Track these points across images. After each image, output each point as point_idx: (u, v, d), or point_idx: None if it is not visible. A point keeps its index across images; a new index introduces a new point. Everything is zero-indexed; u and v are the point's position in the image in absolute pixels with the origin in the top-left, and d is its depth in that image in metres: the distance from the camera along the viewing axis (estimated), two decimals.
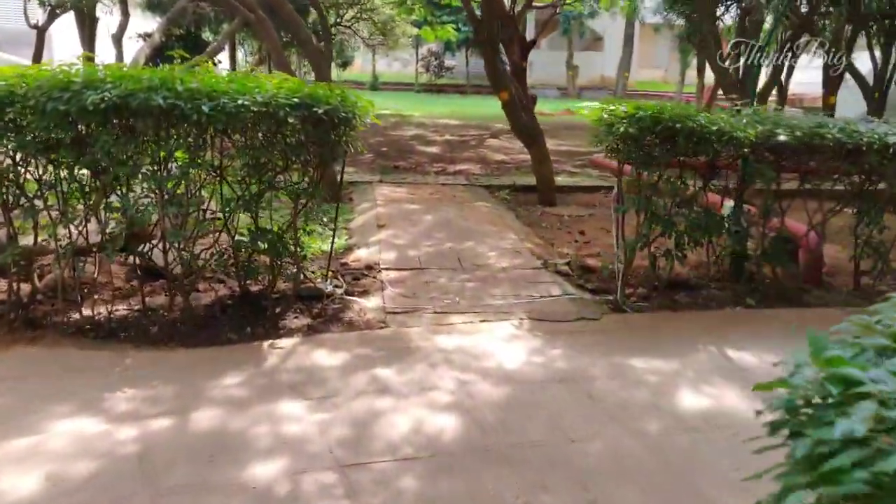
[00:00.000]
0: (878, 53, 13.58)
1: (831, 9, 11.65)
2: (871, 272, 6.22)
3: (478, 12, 9.79)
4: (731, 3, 12.93)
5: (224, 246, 4.85)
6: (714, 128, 4.89)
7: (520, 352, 4.35)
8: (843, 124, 5.24)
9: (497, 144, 16.00)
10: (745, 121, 5.14)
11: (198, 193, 4.48)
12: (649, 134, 4.89)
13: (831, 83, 14.10)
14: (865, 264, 6.18)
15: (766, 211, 5.58)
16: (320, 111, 4.32)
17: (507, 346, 4.44)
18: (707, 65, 22.76)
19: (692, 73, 31.03)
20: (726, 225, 5.57)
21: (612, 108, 5.00)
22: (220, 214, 4.62)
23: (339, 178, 5.27)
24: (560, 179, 10.55)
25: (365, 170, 11.16)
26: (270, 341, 4.30)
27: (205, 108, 3.98)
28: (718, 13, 13.89)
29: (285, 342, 4.31)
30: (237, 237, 4.69)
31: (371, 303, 5.07)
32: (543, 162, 9.55)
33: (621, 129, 4.84)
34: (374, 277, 5.65)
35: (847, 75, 13.41)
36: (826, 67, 13.26)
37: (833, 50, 13.35)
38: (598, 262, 6.64)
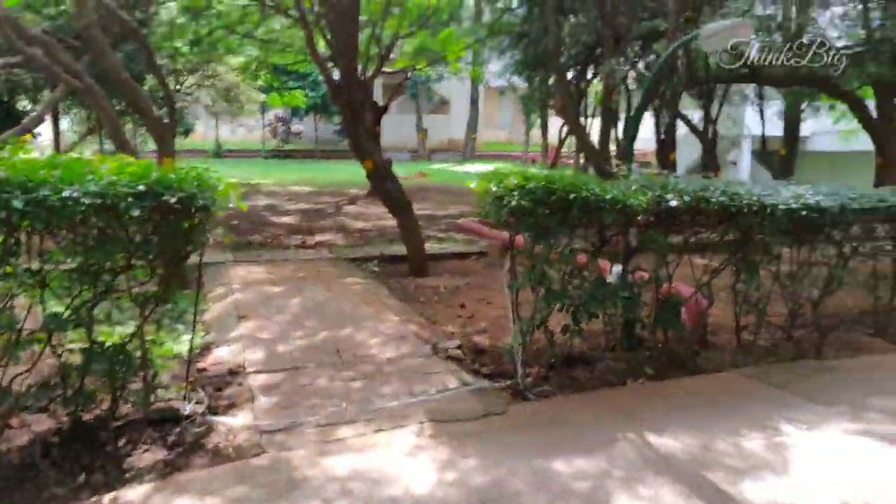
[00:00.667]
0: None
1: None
2: (750, 328, 6.25)
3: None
4: (593, 73, 13.42)
5: (48, 371, 3.85)
6: (608, 196, 4.62)
7: (428, 468, 3.70)
8: (724, 187, 5.19)
9: (355, 211, 15.46)
10: (634, 187, 4.94)
11: (9, 308, 3.50)
12: (542, 206, 4.53)
13: (668, 141, 15.00)
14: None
15: (657, 276, 5.39)
16: (172, 199, 3.55)
17: (412, 462, 3.77)
18: (550, 124, 23.63)
19: (536, 133, 32.49)
20: (619, 293, 5.31)
21: (502, 180, 4.60)
22: (41, 333, 3.64)
23: (198, 272, 4.39)
24: (428, 246, 10.14)
25: (214, 247, 10.14)
26: (112, 495, 3.35)
27: (16, 204, 3.10)
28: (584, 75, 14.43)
29: (132, 493, 3.37)
30: (65, 359, 3.72)
31: (240, 420, 4.23)
32: (413, 231, 9.10)
33: (513, 203, 4.44)
34: (241, 384, 4.80)
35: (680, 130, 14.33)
36: (666, 127, 14.06)
37: (668, 111, 14.23)
38: (487, 341, 6.20)
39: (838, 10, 12.61)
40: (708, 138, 13.67)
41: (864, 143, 21.12)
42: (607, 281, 5.48)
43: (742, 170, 25.23)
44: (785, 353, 6.06)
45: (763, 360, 5.85)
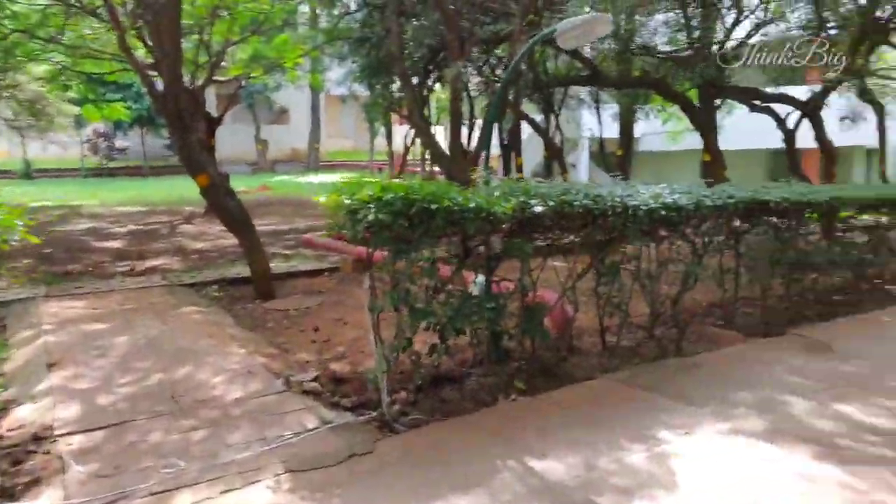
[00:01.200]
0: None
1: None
2: (612, 329, 6.21)
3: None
4: (436, 78, 13.17)
5: None
6: (471, 205, 4.27)
7: None
8: (586, 190, 5.03)
9: (193, 230, 14.27)
10: (497, 194, 4.63)
11: None
12: (402, 218, 4.09)
13: (514, 145, 15.20)
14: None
15: (522, 284, 5.13)
16: None
17: None
18: (396, 131, 23.36)
19: (382, 141, 32.17)
20: (485, 305, 4.99)
21: (356, 192, 4.10)
22: None
23: None
24: (275, 265, 9.41)
25: (22, 281, 8.79)
26: None
27: None
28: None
29: None
30: None
31: (45, 501, 3.41)
32: (256, 250, 8.34)
33: (370, 217, 3.96)
34: (48, 452, 3.93)
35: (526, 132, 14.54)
36: (510, 130, 14.21)
37: (512, 114, 14.39)
38: (347, 367, 5.67)
39: (660, 17, 13.35)
40: (553, 142, 13.93)
41: (689, 142, 22.78)
42: (471, 293, 5.17)
43: (581, 171, 26.40)
44: (648, 353, 6.04)
45: (629, 362, 5.78)
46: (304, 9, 17.21)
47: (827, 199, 6.63)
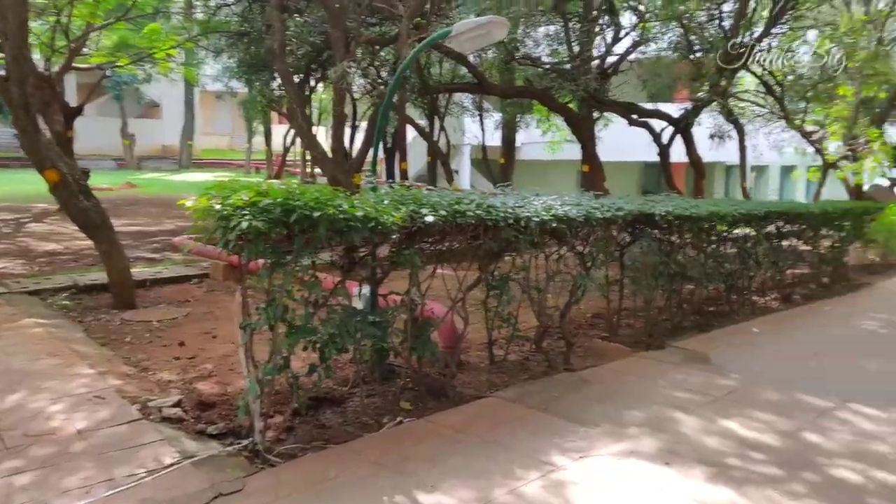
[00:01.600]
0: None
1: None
2: (500, 343, 6.04)
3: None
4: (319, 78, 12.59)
5: None
6: (359, 214, 3.90)
7: None
8: (479, 199, 4.79)
9: (43, 230, 12.91)
10: (386, 201, 4.29)
11: None
12: (281, 226, 3.66)
13: (399, 149, 14.90)
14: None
15: (411, 298, 4.83)
16: None
17: None
18: (275, 131, 22.46)
19: (260, 140, 30.96)
20: (370, 321, 4.64)
21: (228, 196, 3.63)
22: None
23: None
24: (138, 271, 8.58)
25: None
26: None
27: None
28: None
29: None
30: None
31: None
32: (114, 254, 7.53)
33: (244, 224, 3.50)
34: None
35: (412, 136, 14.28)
36: (394, 135, 13.89)
37: (397, 118, 14.08)
38: (215, 387, 5.13)
39: (543, 29, 13.55)
40: (439, 147, 13.77)
41: (568, 153, 23.43)
42: (354, 306, 4.80)
43: (463, 178, 26.55)
44: (537, 367, 5.91)
45: (517, 378, 5.62)
46: None
47: (707, 214, 6.80)
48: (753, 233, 8.12)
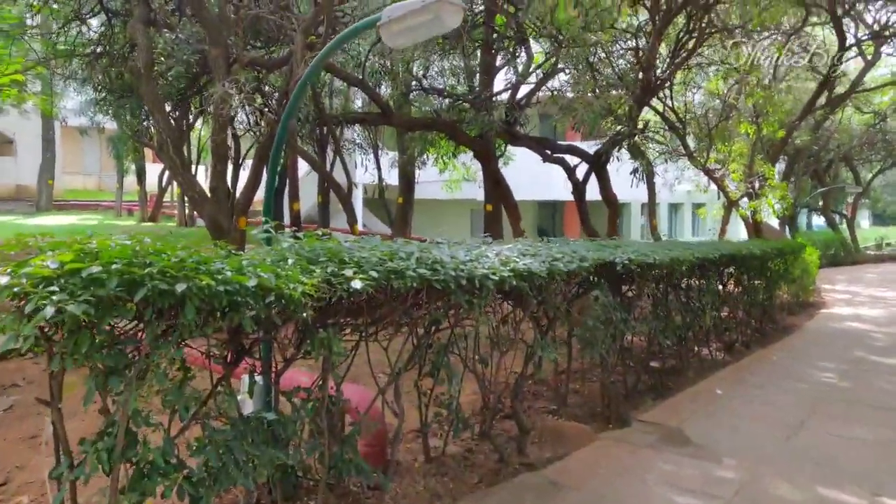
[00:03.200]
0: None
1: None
2: (434, 430, 4.71)
3: None
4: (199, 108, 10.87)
5: None
6: (251, 282, 2.50)
7: None
8: (419, 252, 3.48)
9: None
10: (290, 259, 2.90)
11: None
12: (121, 310, 2.20)
13: (291, 188, 13.38)
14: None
15: (331, 398, 3.42)
16: None
17: None
18: (150, 169, 20.33)
19: (133, 180, 28.25)
20: (266, 431, 3.19)
21: (24, 263, 2.15)
22: None
23: None
24: None
25: None
26: None
27: None
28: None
29: None
30: None
31: None
32: None
33: (49, 311, 2.03)
34: None
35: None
36: (282, 171, 12.37)
37: (288, 153, 12.59)
38: None
39: (446, 63, 12.60)
40: (339, 185, 12.36)
41: (465, 192, 22.56)
42: (242, 401, 3.37)
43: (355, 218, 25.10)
44: (485, 462, 4.61)
45: (464, 481, 4.31)
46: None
47: (669, 261, 5.81)
48: (698, 279, 7.25)
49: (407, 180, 17.30)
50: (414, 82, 11.79)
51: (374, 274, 3.05)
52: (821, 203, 26.18)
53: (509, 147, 14.76)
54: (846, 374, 7.48)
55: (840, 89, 18.48)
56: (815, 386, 6.87)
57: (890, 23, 16.63)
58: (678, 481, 4.26)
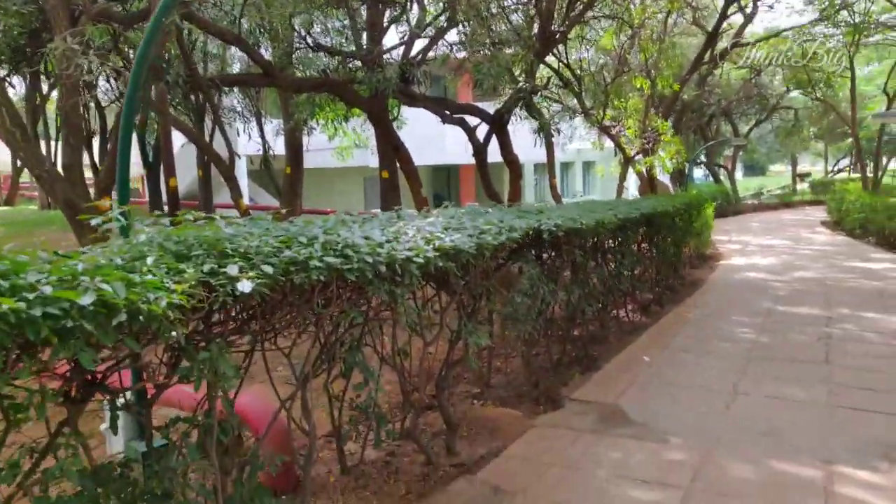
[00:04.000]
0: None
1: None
2: (350, 434, 4.04)
3: None
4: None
5: None
6: (85, 298, 1.71)
7: None
8: (324, 233, 2.75)
9: None
10: (150, 257, 2.11)
11: None
12: None
13: (166, 163, 12.04)
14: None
15: (223, 427, 2.67)
16: None
17: None
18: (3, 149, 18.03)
19: None
20: (138, 476, 2.43)
21: None
22: None
23: None
24: None
25: None
26: None
27: None
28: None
29: None
30: None
31: None
32: None
33: None
34: None
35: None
36: (157, 143, 11.07)
37: (159, 121, 11.26)
38: None
39: (330, 24, 11.62)
40: (220, 157, 11.18)
41: (359, 159, 21.58)
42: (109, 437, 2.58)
43: (241, 192, 23.62)
44: (410, 467, 4.01)
45: (388, 495, 3.68)
46: None
47: (594, 225, 5.33)
48: (617, 240, 6.88)
49: (294, 149, 16.15)
50: (297, 40, 10.77)
51: (268, 269, 2.30)
52: (704, 157, 27.11)
53: (403, 109, 14.02)
54: (762, 328, 7.39)
55: (721, 45, 18.87)
56: (737, 344, 6.70)
57: None
58: (630, 471, 3.80)
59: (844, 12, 20.17)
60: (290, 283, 2.45)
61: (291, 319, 2.75)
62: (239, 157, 18.17)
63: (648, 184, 16.81)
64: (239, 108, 18.38)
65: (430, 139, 23.77)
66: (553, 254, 5.20)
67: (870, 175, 22.88)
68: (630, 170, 16.49)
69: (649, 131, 15.15)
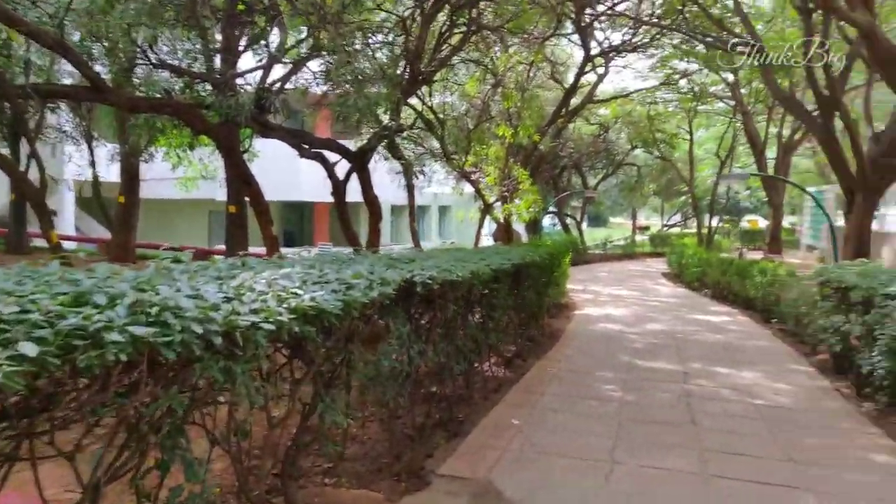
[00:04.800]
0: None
1: None
2: None
3: None
4: None
5: None
6: None
7: None
8: (134, 292, 1.97)
9: None
10: None
11: None
12: None
13: None
14: None
15: None
16: None
17: None
18: None
19: None
20: None
21: None
22: None
23: None
24: None
25: None
26: None
27: None
28: None
29: None
30: None
31: None
32: None
33: None
34: None
35: None
36: None
37: None
38: None
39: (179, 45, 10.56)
40: (30, 182, 9.66)
41: (205, 191, 20.09)
42: None
43: (66, 221, 21.24)
44: None
45: None
46: None
47: (469, 275, 4.83)
48: (487, 292, 6.45)
49: (130, 176, 14.64)
50: (140, 56, 9.62)
51: (30, 348, 1.51)
52: (554, 207, 28.07)
53: (256, 141, 13.09)
54: (625, 384, 7.23)
55: (575, 101, 19.63)
56: (606, 403, 6.44)
57: (614, 42, 17.96)
58: None
59: (684, 81, 21.83)
60: (72, 367, 1.66)
61: (75, 413, 1.93)
62: (56, 181, 16.19)
63: (505, 231, 16.87)
64: (67, 128, 16.43)
65: (284, 174, 22.72)
66: (425, 308, 4.61)
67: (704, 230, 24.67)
68: (487, 217, 16.49)
69: (509, 179, 15.22)
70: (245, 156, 12.07)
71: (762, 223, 42.48)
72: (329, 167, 10.42)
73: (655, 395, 6.85)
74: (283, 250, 8.14)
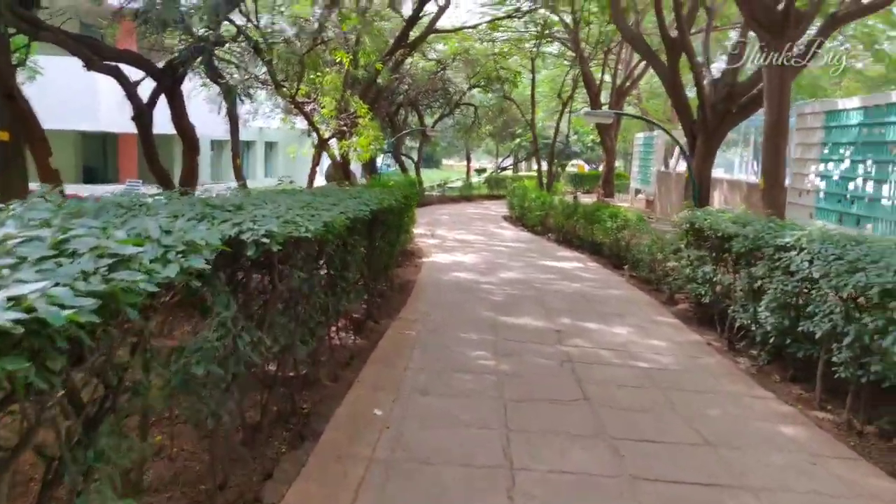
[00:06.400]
0: None
1: None
2: None
3: None
4: None
5: None
6: None
7: None
8: None
9: None
10: None
11: None
12: None
13: None
14: None
15: None
16: None
17: None
18: None
19: None
20: None
21: None
22: None
23: None
24: None
25: None
26: None
27: None
28: None
29: None
30: None
31: None
32: None
33: None
34: None
35: None
36: None
37: None
38: None
39: None
40: None
41: None
42: None
43: None
44: None
45: None
46: None
47: (323, 228, 3.45)
48: (341, 247, 5.10)
49: None
50: None
51: None
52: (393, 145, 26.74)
53: (39, 57, 10.44)
54: (496, 348, 6.29)
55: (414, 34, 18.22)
56: (480, 377, 5.42)
57: None
58: None
59: (524, 20, 21.15)
60: None
61: None
62: None
63: (343, 170, 15.38)
64: None
65: (79, 97, 19.31)
66: (259, 278, 3.21)
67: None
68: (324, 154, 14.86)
69: (346, 112, 13.65)
70: (22, 70, 9.51)
71: (586, 167, 44.10)
72: (129, 86, 8.33)
73: (534, 361, 5.96)
74: (83, 188, 6.26)
